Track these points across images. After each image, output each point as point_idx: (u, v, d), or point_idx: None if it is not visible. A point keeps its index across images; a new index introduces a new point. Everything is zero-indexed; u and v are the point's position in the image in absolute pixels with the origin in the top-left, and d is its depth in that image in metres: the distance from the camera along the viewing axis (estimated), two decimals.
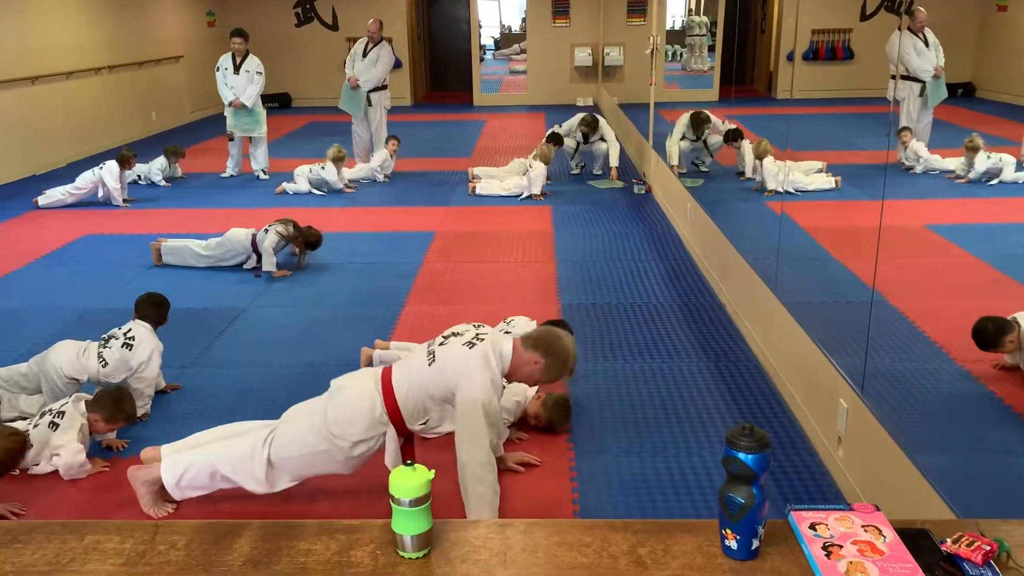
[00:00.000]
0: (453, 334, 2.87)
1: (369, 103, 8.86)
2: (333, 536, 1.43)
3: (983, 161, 6.58)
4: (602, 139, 8.44)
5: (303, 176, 7.88)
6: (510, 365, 2.78)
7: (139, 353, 3.60)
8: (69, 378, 3.57)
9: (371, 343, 4.16)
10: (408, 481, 1.34)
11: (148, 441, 3.32)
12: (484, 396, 2.66)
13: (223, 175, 8.79)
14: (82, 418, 3.21)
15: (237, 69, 8.52)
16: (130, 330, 3.67)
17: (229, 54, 8.58)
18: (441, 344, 2.84)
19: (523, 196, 7.63)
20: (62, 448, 3.15)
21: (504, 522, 1.50)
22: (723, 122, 8.03)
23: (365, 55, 8.76)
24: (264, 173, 8.68)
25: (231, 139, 8.66)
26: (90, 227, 6.79)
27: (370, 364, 4.01)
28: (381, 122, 8.98)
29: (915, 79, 6.89)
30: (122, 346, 3.61)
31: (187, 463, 2.88)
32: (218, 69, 8.58)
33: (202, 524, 1.46)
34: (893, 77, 6.09)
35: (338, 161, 7.94)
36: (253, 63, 8.58)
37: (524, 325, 3.84)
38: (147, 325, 3.70)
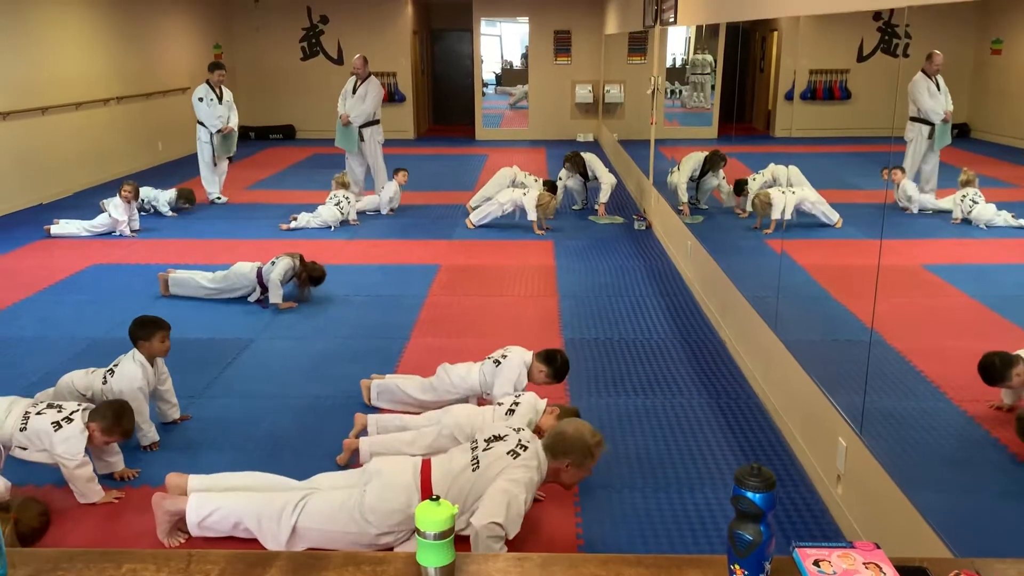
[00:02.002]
0: (495, 437, 2.94)
1: (362, 138, 9.01)
2: (359, 567, 1.50)
3: (971, 192, 6.63)
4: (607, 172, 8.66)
5: (329, 208, 8.03)
6: (548, 473, 2.91)
7: (117, 380, 3.67)
8: (79, 392, 3.68)
9: (385, 375, 4.24)
10: (434, 515, 1.41)
11: (158, 470, 3.38)
12: (517, 490, 2.75)
13: (219, 201, 9.17)
14: (86, 431, 3.27)
15: (220, 99, 9.04)
16: (120, 359, 3.76)
17: (205, 86, 9.05)
18: (485, 450, 2.90)
19: (513, 212, 7.83)
20: (66, 459, 3.21)
21: (522, 556, 1.57)
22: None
23: (355, 92, 8.95)
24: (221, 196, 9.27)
25: (215, 164, 9.18)
26: (99, 256, 6.87)
27: (368, 396, 4.07)
28: (376, 156, 9.14)
29: (925, 121, 6.99)
30: (107, 371, 3.72)
31: (215, 506, 2.93)
32: (200, 100, 9.03)
33: (234, 554, 1.53)
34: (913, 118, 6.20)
35: (343, 187, 8.13)
36: (229, 93, 9.21)
37: (519, 355, 3.88)
38: (141, 354, 3.75)
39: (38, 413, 3.29)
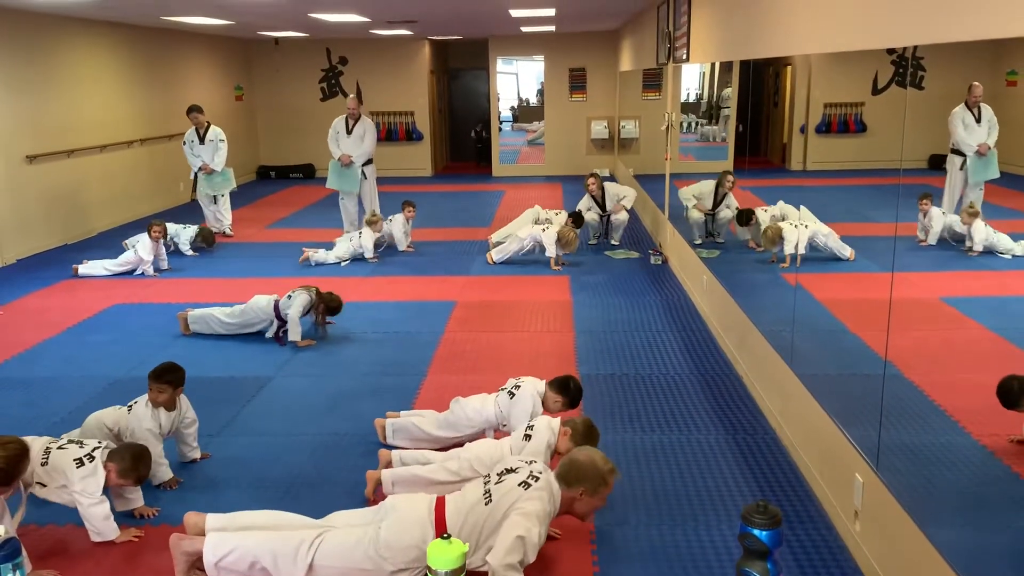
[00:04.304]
0: (507, 470, 2.97)
1: (364, 176, 9.10)
2: None
3: (981, 230, 6.60)
4: (620, 208, 8.75)
5: (343, 244, 8.19)
6: (562, 504, 2.93)
7: (131, 418, 3.74)
8: (108, 428, 3.74)
9: (399, 412, 4.26)
10: (445, 554, 1.43)
11: (178, 508, 3.41)
12: (530, 523, 2.77)
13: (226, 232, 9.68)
14: (104, 471, 3.30)
15: (202, 140, 9.46)
16: (139, 399, 3.82)
17: (193, 128, 9.52)
18: (497, 483, 2.93)
19: (533, 248, 7.93)
20: (84, 496, 3.23)
21: None
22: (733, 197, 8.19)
23: (349, 132, 8.98)
24: (229, 229, 9.65)
25: (192, 199, 9.85)
26: (121, 296, 6.98)
27: (384, 435, 4.09)
28: (373, 193, 9.27)
29: (960, 152, 6.95)
30: (127, 408, 3.79)
31: (232, 546, 2.94)
32: (185, 143, 9.57)
33: None
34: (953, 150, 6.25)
35: (372, 224, 8.26)
36: (215, 132, 9.55)
37: (532, 385, 3.90)
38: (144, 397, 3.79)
39: (59, 448, 3.32)
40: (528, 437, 3.46)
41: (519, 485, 2.87)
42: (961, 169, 7.13)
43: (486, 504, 2.86)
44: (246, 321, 5.79)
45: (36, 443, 3.35)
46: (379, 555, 2.83)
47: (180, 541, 3.00)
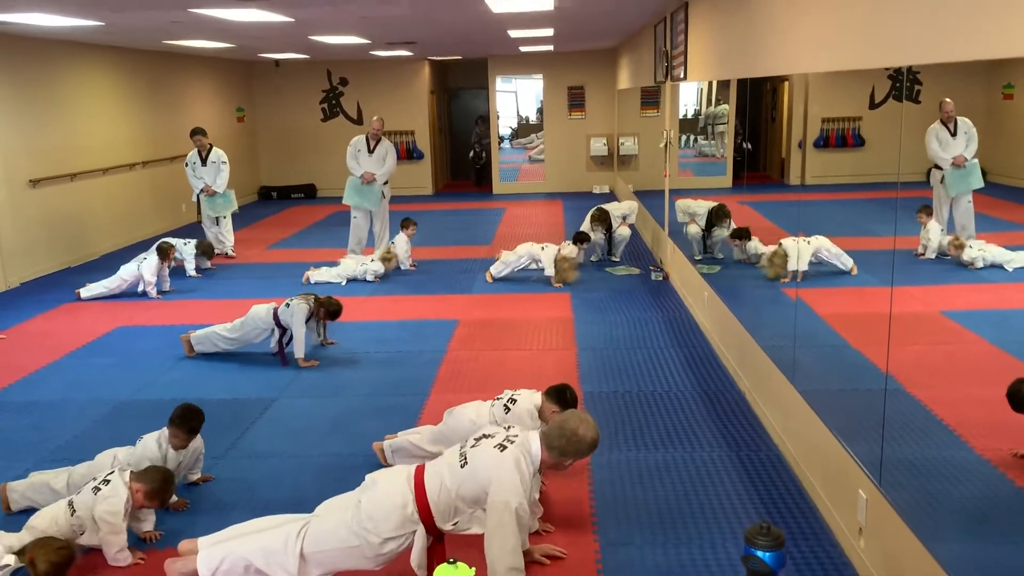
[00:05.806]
0: (484, 436, 3.00)
1: (383, 195, 9.18)
2: None
3: (974, 253, 6.59)
4: (622, 225, 8.81)
5: (350, 265, 8.26)
6: (540, 463, 2.91)
7: (137, 449, 3.79)
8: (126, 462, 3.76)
9: (397, 433, 4.26)
10: None
11: (182, 532, 3.42)
12: (515, 500, 2.78)
13: (228, 253, 9.69)
14: (126, 490, 3.32)
15: (204, 162, 9.50)
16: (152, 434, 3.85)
17: (195, 150, 9.56)
18: (473, 447, 2.97)
19: (530, 265, 7.99)
20: (104, 522, 3.26)
21: None
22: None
23: (371, 152, 9.09)
24: (231, 250, 9.69)
25: (200, 222, 9.82)
26: (124, 319, 6.99)
27: (384, 458, 4.10)
28: (386, 211, 9.35)
29: (940, 167, 7.00)
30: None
31: (222, 555, 2.97)
32: (187, 164, 9.59)
33: None
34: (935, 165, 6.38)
35: (386, 261, 8.32)
36: (217, 154, 9.60)
37: (529, 399, 3.90)
38: (162, 432, 3.82)
39: (78, 495, 3.39)
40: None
41: (495, 447, 2.92)
42: (941, 183, 7.18)
43: (462, 467, 2.91)
44: (247, 333, 5.79)
45: (60, 504, 3.39)
46: (363, 528, 2.86)
47: (173, 564, 3.03)
